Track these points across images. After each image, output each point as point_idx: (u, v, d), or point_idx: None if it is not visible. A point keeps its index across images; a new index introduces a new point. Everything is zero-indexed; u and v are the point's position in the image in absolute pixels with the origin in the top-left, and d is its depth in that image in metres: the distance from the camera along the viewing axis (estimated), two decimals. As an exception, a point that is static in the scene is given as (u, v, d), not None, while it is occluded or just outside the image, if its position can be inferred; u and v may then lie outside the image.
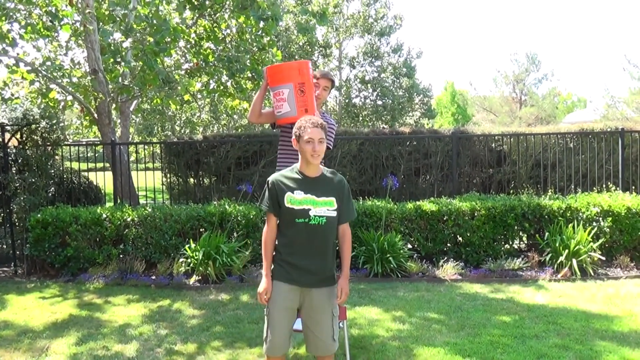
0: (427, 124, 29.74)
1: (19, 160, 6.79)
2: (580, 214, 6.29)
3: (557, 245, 6.02)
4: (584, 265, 5.90)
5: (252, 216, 6.33)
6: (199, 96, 13.00)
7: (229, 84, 9.76)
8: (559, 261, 5.95)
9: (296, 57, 19.58)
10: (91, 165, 10.49)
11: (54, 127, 7.03)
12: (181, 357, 4.02)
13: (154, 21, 7.20)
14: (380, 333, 4.38)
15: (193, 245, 6.07)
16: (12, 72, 8.61)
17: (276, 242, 2.98)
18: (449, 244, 6.47)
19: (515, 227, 6.40)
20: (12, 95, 9.41)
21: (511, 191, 8.23)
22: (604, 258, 6.10)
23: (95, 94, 8.11)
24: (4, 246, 6.96)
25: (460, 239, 6.44)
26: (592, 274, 5.88)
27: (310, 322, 2.92)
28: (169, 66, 10.42)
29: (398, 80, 23.76)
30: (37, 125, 6.90)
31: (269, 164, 8.20)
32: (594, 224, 6.21)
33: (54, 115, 7.20)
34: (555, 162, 8.22)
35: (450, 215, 6.33)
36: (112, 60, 7.95)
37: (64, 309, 5.19)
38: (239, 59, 8.40)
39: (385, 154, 8.55)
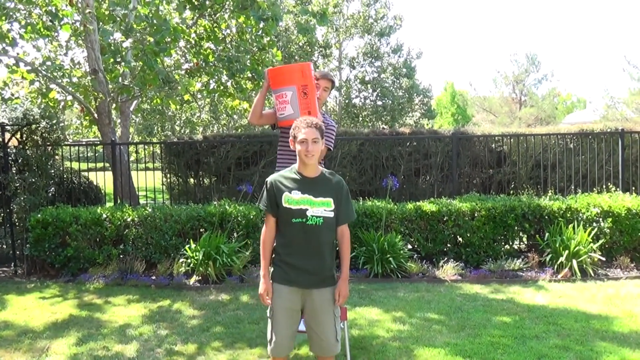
0: (427, 125, 29.75)
1: (19, 160, 6.79)
2: (581, 215, 6.29)
3: (557, 245, 6.03)
4: (584, 265, 5.90)
5: (252, 216, 6.32)
6: (199, 96, 13.00)
7: (229, 84, 9.76)
8: (559, 262, 5.95)
9: (296, 57, 19.58)
10: (91, 165, 10.48)
11: (54, 127, 7.03)
12: (181, 357, 4.02)
13: (154, 21, 7.20)
14: (380, 333, 4.38)
15: (193, 246, 6.07)
16: (12, 72, 8.61)
17: (275, 243, 2.98)
18: (449, 245, 6.46)
19: (516, 228, 6.40)
20: (12, 95, 9.40)
21: (511, 192, 8.24)
22: (604, 259, 6.10)
23: (95, 93, 8.10)
24: (4, 246, 6.96)
25: (460, 239, 6.44)
26: (592, 274, 5.88)
27: (313, 323, 2.92)
28: (169, 66, 10.41)
29: (398, 81, 23.76)
30: (37, 125, 6.90)
31: (269, 164, 8.20)
32: (594, 224, 6.21)
33: (54, 115, 7.20)
34: (555, 162, 8.23)
35: (451, 215, 6.33)
36: (112, 60, 7.94)
37: (64, 309, 5.19)
38: (239, 59, 8.40)
39: (385, 155, 8.56)
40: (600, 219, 6.22)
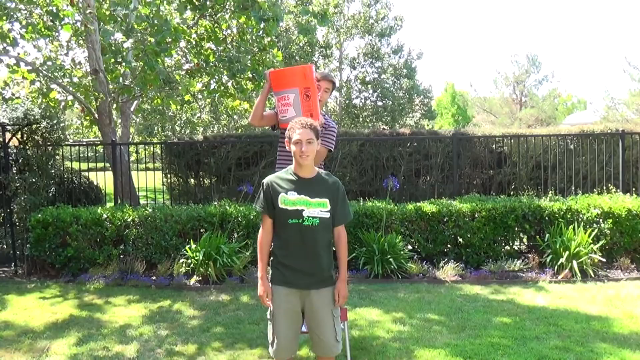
0: (428, 125, 29.77)
1: (20, 160, 6.80)
2: (581, 216, 6.29)
3: (557, 246, 6.02)
4: (585, 266, 5.90)
5: (252, 217, 6.32)
6: (200, 96, 13.01)
7: (229, 84, 9.76)
8: (559, 263, 5.95)
9: (296, 57, 19.57)
10: (92, 165, 10.47)
11: (55, 127, 7.03)
12: (181, 357, 4.02)
13: (155, 21, 7.20)
14: (380, 334, 4.38)
15: (193, 246, 6.07)
16: (12, 72, 8.61)
17: (272, 245, 2.98)
18: (449, 245, 6.46)
19: (516, 229, 6.40)
20: (13, 95, 9.41)
21: (511, 192, 8.24)
22: (604, 260, 6.10)
23: (96, 94, 8.11)
24: (5, 246, 6.96)
25: (460, 240, 6.44)
26: (593, 275, 5.88)
27: (313, 323, 2.93)
28: (170, 66, 10.42)
29: (398, 81, 23.77)
30: (38, 125, 6.90)
31: (269, 165, 8.20)
32: (595, 225, 6.21)
33: (54, 115, 7.20)
34: (556, 163, 8.23)
35: (451, 216, 6.33)
36: (112, 60, 7.95)
37: (65, 309, 5.19)
38: (240, 60, 8.40)
39: (386, 155, 8.56)
40: (601, 220, 6.22)
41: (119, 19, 6.98)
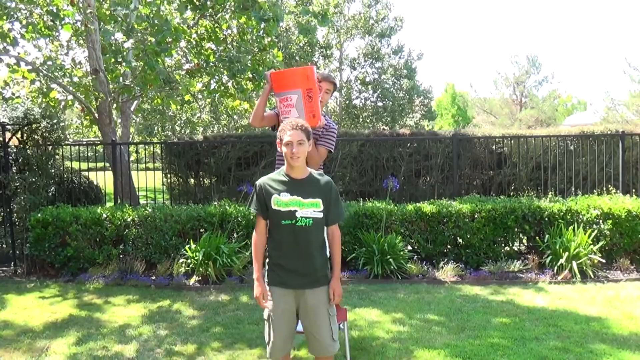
0: (428, 126, 29.78)
1: (20, 160, 6.79)
2: (581, 217, 6.29)
3: (557, 247, 6.02)
4: (584, 267, 5.90)
5: (252, 217, 6.32)
6: (200, 96, 13.00)
7: (229, 84, 9.76)
8: (559, 263, 5.95)
9: (297, 57, 19.57)
10: (92, 165, 10.47)
11: (55, 126, 7.03)
12: (181, 357, 4.02)
13: (156, 21, 7.20)
14: (380, 335, 4.38)
15: (193, 246, 6.07)
16: (13, 72, 8.61)
17: (267, 247, 2.99)
18: (449, 246, 6.46)
19: (516, 229, 6.40)
20: (13, 94, 9.40)
21: (511, 193, 8.23)
22: (604, 261, 6.10)
23: (96, 93, 8.11)
24: (4, 246, 6.96)
25: (460, 240, 6.44)
26: (592, 276, 5.87)
27: (308, 323, 2.93)
28: (170, 66, 10.42)
29: (398, 82, 23.78)
30: (38, 124, 6.90)
31: (269, 165, 8.20)
32: (594, 226, 6.21)
33: (54, 115, 7.20)
34: (556, 164, 8.23)
35: (451, 217, 6.32)
36: (113, 60, 7.95)
37: (64, 309, 5.19)
38: (240, 60, 8.41)
39: (386, 156, 8.56)
40: (601, 221, 6.22)
41: (119, 18, 6.98)
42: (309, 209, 2.87)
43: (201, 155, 8.73)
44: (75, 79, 8.99)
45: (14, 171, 6.73)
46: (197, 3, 8.53)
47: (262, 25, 8.25)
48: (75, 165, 8.41)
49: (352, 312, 4.89)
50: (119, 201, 7.39)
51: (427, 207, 6.47)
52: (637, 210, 6.20)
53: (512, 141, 8.43)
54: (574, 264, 5.85)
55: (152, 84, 7.52)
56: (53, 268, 6.49)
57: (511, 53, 62.17)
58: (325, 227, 2.97)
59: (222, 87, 9.94)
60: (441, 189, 8.50)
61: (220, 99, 14.34)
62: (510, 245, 6.56)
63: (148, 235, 6.32)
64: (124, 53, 7.37)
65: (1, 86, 9.42)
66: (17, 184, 6.63)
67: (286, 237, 2.88)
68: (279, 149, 2.98)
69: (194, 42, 9.70)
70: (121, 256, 6.34)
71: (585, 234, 6.03)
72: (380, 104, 23.57)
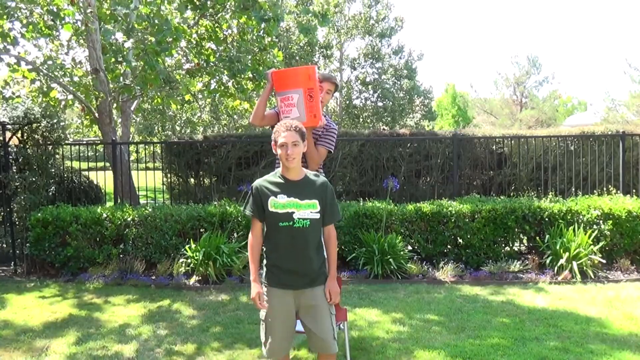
0: (428, 126, 29.78)
1: (20, 159, 6.79)
2: (581, 217, 6.28)
3: (557, 247, 6.02)
4: (584, 268, 5.90)
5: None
6: (200, 96, 13.00)
7: (230, 84, 9.77)
8: (559, 264, 5.95)
9: (297, 57, 19.59)
10: (92, 164, 10.47)
11: (55, 126, 7.03)
12: (181, 357, 4.01)
13: (156, 21, 7.20)
14: (380, 334, 4.37)
15: (193, 246, 6.06)
16: (13, 71, 8.61)
17: (264, 248, 2.99)
18: (449, 246, 6.46)
19: (516, 230, 6.39)
20: (13, 94, 9.40)
21: (512, 193, 8.23)
22: (604, 261, 6.09)
23: (97, 93, 8.11)
24: (4, 245, 6.96)
25: (460, 241, 6.43)
26: (593, 276, 5.87)
27: (309, 321, 2.93)
28: (170, 66, 10.42)
29: (399, 82, 23.80)
30: (38, 124, 6.90)
31: (269, 165, 8.20)
32: (595, 226, 6.20)
33: (54, 115, 7.20)
34: (556, 164, 8.22)
35: (451, 217, 6.32)
36: (113, 59, 7.95)
37: (64, 308, 5.19)
38: (240, 59, 8.41)
39: (386, 156, 8.56)
40: (601, 222, 6.22)
41: (119, 18, 6.98)
42: (306, 210, 2.87)
43: (201, 155, 8.74)
44: (76, 79, 8.99)
45: (14, 171, 6.73)
46: (198, 3, 8.53)
47: (263, 25, 8.26)
48: (76, 164, 8.41)
49: (352, 312, 4.89)
50: (119, 201, 7.39)
51: (427, 207, 6.47)
52: (638, 210, 6.20)
53: (513, 141, 8.43)
54: (574, 264, 5.85)
55: (153, 84, 7.52)
56: (53, 268, 6.49)
57: (511, 53, 62.36)
58: (322, 228, 2.97)
59: (223, 87, 9.94)
60: (441, 189, 8.50)
61: (220, 98, 14.34)
62: (511, 245, 6.56)
63: (148, 235, 6.32)
64: (124, 52, 7.37)
65: (1, 85, 9.42)
66: (17, 183, 6.63)
67: (284, 239, 2.88)
68: (274, 150, 2.97)
69: (194, 42, 9.70)
70: (121, 256, 6.33)
71: (585, 234, 6.03)
72: (380, 104, 23.59)
